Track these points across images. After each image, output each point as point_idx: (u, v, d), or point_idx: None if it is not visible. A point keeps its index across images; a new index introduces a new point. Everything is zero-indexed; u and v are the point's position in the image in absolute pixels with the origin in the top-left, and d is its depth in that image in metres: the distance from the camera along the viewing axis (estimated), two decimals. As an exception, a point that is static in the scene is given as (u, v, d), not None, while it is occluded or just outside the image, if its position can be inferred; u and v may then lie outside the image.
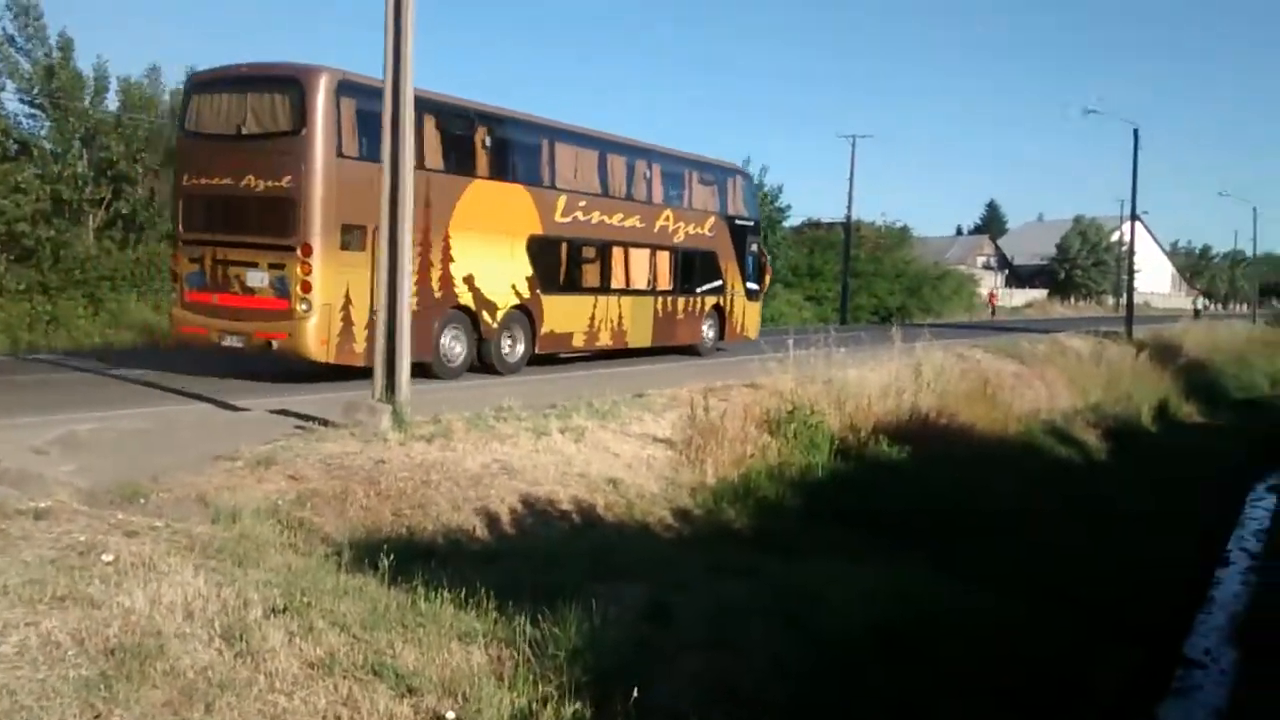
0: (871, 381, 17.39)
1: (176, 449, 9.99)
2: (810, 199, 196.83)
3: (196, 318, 14.82)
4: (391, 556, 7.08)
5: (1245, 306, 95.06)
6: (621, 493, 11.38)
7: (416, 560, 7.63)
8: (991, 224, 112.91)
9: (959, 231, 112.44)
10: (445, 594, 6.63)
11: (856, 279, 50.08)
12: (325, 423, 11.37)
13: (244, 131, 14.38)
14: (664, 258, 21.07)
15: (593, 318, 19.18)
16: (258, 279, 14.25)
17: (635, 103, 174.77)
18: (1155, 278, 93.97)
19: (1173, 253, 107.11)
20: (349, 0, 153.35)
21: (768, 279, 26.16)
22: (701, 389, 14.83)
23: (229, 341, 14.55)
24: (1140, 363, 32.18)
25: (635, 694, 5.55)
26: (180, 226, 15.25)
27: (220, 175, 14.57)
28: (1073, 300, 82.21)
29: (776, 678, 6.88)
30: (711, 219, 22.66)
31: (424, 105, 14.33)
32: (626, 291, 20.05)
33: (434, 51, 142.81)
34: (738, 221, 23.64)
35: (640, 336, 20.49)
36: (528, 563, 7.98)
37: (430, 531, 9.14)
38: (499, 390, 14.17)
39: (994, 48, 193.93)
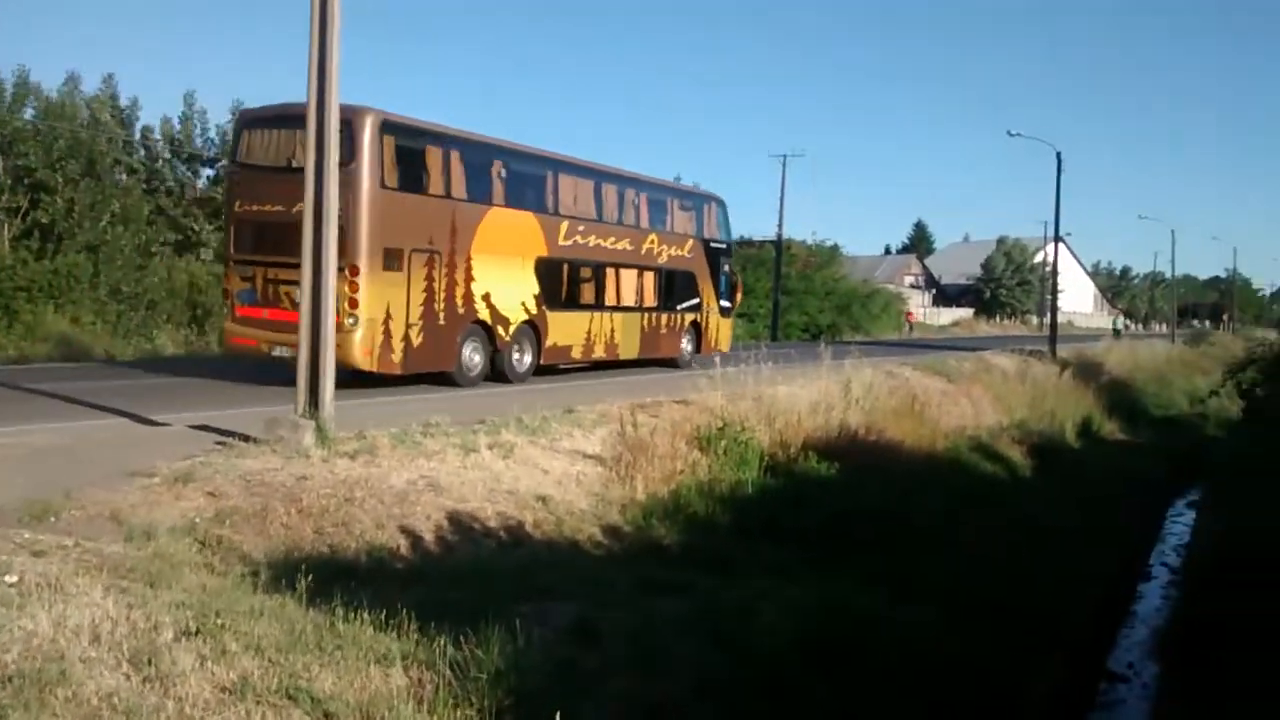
0: (802, 398, 17.48)
1: (92, 465, 9.67)
2: (742, 218, 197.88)
3: (248, 330, 16.18)
4: (310, 576, 6.91)
5: (1164, 326, 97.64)
6: (551, 510, 11.25)
7: (337, 580, 7.44)
8: (919, 243, 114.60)
9: (887, 251, 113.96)
10: (365, 615, 6.46)
11: (787, 296, 50.47)
12: (247, 438, 11.08)
13: (294, 164, 14.91)
14: (649, 278, 22.62)
15: (589, 332, 20.67)
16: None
17: (564, 119, 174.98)
18: (1078, 297, 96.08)
19: (1095, 273, 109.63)
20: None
21: (739, 297, 28.05)
22: (631, 405, 14.76)
23: (278, 352, 15.40)
24: (1064, 381, 32.77)
25: (558, 718, 5.43)
26: (232, 248, 16.68)
27: (272, 203, 15.74)
28: (998, 319, 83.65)
29: (705, 696, 6.80)
30: (690, 242, 24.21)
31: (451, 141, 17.23)
32: (618, 308, 21.58)
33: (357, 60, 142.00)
34: (713, 244, 25.16)
35: (629, 349, 21.94)
36: (452, 582, 7.83)
37: (353, 550, 8.93)
38: (495, 400, 14.24)
39: (921, 70, 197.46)
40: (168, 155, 32.12)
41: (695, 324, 24.34)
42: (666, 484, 12.87)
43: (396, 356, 15.98)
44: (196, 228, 30.17)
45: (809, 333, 49.69)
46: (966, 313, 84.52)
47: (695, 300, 24.27)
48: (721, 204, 26.38)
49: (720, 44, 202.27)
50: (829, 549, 11.96)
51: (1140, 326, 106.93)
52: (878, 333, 54.69)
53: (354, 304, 15.17)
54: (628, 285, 21.90)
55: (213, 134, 31.95)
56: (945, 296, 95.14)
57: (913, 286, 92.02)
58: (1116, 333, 63.31)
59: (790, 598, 9.21)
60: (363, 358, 15.43)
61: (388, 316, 15.75)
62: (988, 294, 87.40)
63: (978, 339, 55.05)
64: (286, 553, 8.42)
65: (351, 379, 14.65)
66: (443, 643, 6.12)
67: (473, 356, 17.66)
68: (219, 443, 11.05)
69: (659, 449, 13.24)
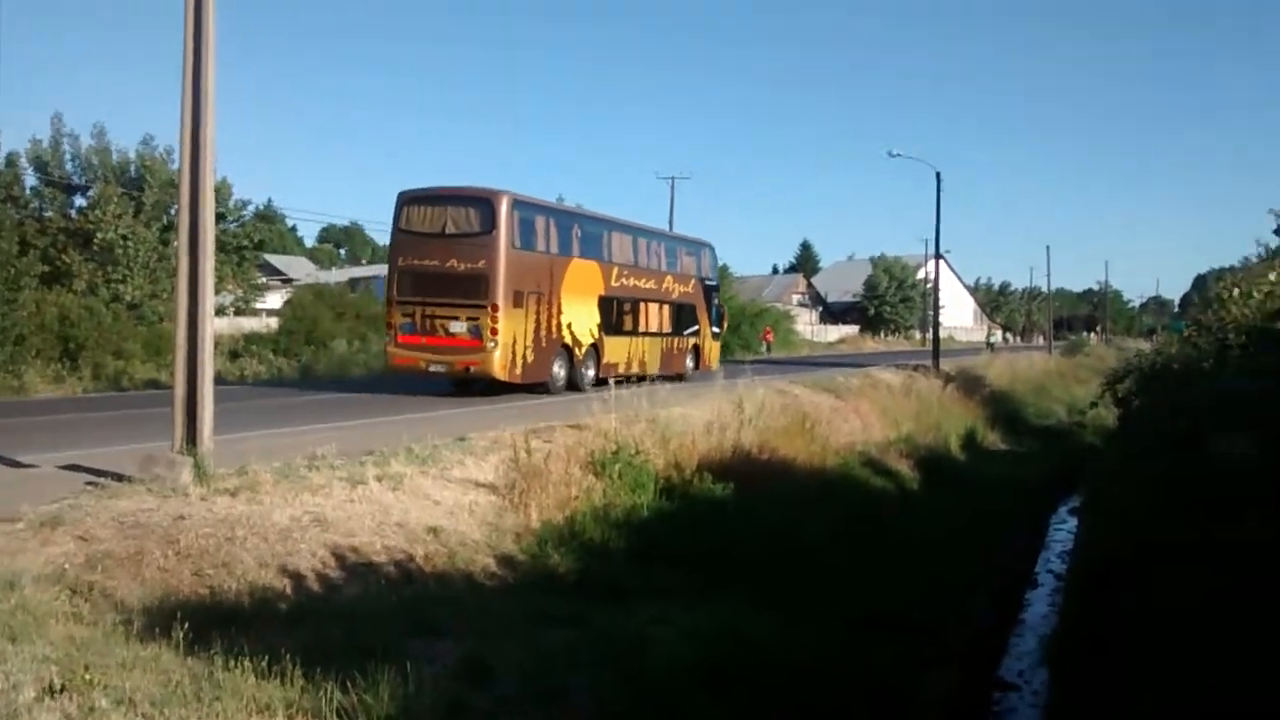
0: (695, 419, 17.49)
1: (-51, 512, 9.11)
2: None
3: (409, 353, 21.28)
4: (188, 623, 6.59)
5: (1041, 339, 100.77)
6: (442, 541, 10.98)
7: (217, 625, 7.11)
8: (805, 263, 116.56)
9: (775, 270, 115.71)
10: (247, 662, 6.16)
11: (678, 316, 50.67)
12: (121, 478, 10.60)
13: (447, 232, 21.23)
14: (666, 309, 28.26)
15: (629, 352, 25.98)
16: (459, 327, 20.83)
17: (447, 136, 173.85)
18: (959, 313, 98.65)
19: (975, 289, 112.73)
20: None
21: (725, 324, 34.15)
22: (525, 430, 14.57)
23: (435, 368, 21.12)
24: (948, 394, 33.57)
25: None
26: (395, 292, 21.68)
27: (428, 259, 21.23)
28: (882, 335, 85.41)
29: (602, 729, 6.67)
30: (693, 280, 30.22)
31: (549, 211, 23.89)
32: (647, 334, 27.12)
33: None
34: (707, 282, 31.38)
35: (653, 366, 26.89)
36: (339, 622, 7.54)
37: (234, 592, 8.57)
38: (521, 407, 13.65)
39: (804, 93, 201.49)
40: (34, 182, 30.86)
41: (696, 345, 30.02)
42: (561, 510, 12.69)
43: (519, 370, 21.14)
44: (67, 259, 29.02)
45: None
46: (852, 329, 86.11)
47: (696, 327, 30.02)
48: (712, 249, 32.64)
49: (606, 66, 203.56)
50: (724, 571, 11.94)
51: (1019, 339, 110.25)
52: (768, 351, 55.31)
53: (494, 332, 20.47)
54: (653, 316, 27.47)
55: (90, 158, 30.86)
56: (831, 314, 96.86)
57: (800, 304, 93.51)
58: (990, 346, 64.99)
59: (687, 624, 9.16)
60: (500, 371, 20.67)
61: (514, 341, 20.95)
62: (872, 311, 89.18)
63: (864, 355, 56.10)
64: (163, 598, 8.03)
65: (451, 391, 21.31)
66: (329, 689, 5.88)
67: (559, 371, 22.83)
68: (90, 483, 10.52)
69: (553, 475, 13.05)
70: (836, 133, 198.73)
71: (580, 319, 23.47)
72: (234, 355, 29.81)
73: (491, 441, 14.44)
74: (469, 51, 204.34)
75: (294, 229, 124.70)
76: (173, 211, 32.42)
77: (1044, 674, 12.10)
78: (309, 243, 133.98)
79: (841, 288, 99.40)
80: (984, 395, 36.50)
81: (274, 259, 78.55)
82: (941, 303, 48.06)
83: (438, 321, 21.00)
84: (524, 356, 21.26)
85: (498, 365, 20.60)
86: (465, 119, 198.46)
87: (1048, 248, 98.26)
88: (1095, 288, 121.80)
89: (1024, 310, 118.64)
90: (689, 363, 29.55)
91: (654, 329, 27.52)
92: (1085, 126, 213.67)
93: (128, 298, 31.28)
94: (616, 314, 25.37)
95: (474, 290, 20.74)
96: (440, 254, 21.09)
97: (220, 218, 29.77)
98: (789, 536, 13.93)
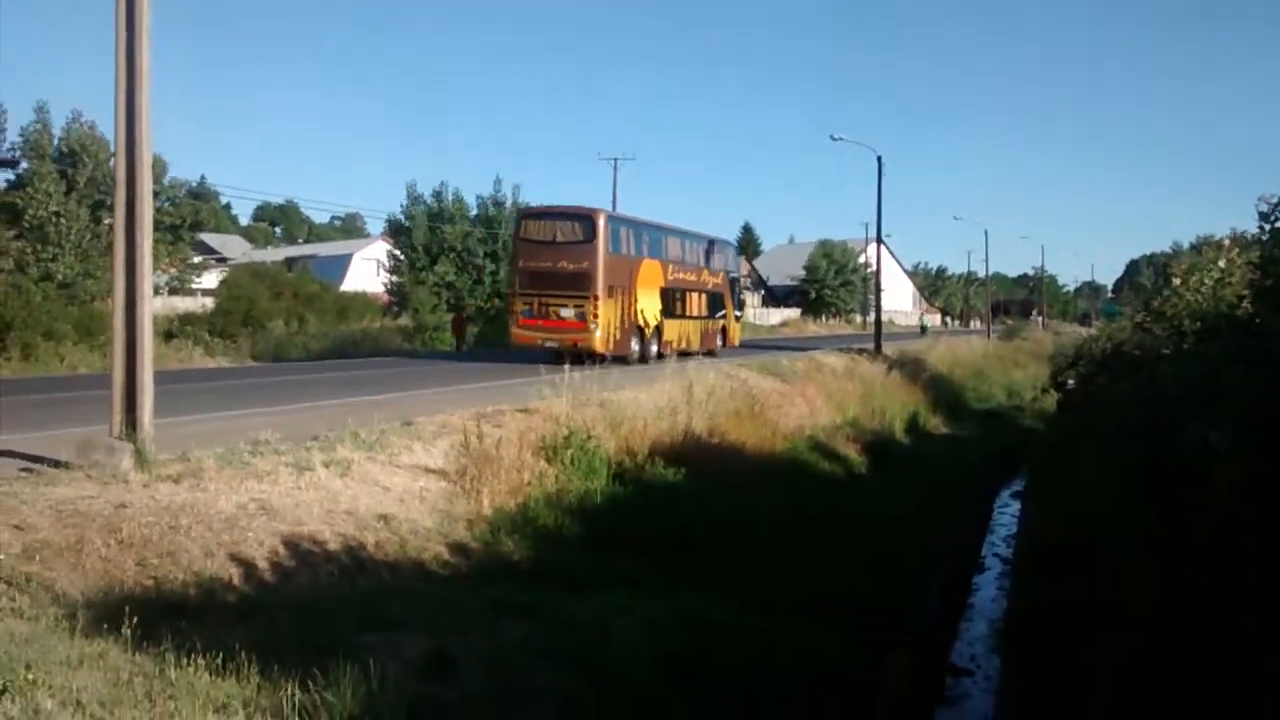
0: (646, 403, 17.34)
1: None
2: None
3: (529, 333, 27.20)
4: (135, 617, 6.27)
5: (979, 323, 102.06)
6: (393, 529, 10.72)
7: (166, 618, 6.81)
8: (747, 246, 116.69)
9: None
10: (199, 658, 5.87)
11: (623, 299, 50.54)
12: (57, 464, 10.21)
13: (557, 239, 27.12)
14: (705, 297, 34.32)
15: (680, 332, 31.91)
16: (568, 312, 26.58)
17: (383, 114, 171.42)
18: (899, 296, 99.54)
19: (914, 273, 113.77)
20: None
21: (745, 309, 41.39)
22: (475, 415, 14.31)
23: (549, 344, 26.65)
24: (891, 378, 33.76)
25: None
26: (517, 286, 27.85)
27: (542, 260, 27.08)
28: (824, 319, 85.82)
29: (568, 723, 6.51)
30: (721, 274, 36.25)
31: (628, 222, 29.66)
32: (691, 317, 33.08)
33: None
34: (731, 275, 37.80)
35: (695, 343, 32.83)
36: (293, 615, 7.26)
37: (181, 582, 8.27)
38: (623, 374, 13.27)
39: (748, 75, 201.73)
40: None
41: (724, 327, 36.37)
42: (514, 497, 12.47)
43: (611, 346, 26.86)
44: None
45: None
46: (794, 313, 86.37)
47: (724, 311, 36.26)
48: (735, 247, 40.25)
49: (548, 47, 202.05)
50: (679, 558, 11.86)
51: (958, 323, 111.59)
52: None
53: (595, 317, 26.30)
54: (695, 302, 33.53)
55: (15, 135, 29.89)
56: (774, 297, 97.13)
57: (744, 288, 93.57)
58: (923, 329, 65.35)
59: (646, 612, 9.02)
60: (600, 347, 26.17)
61: (608, 324, 26.75)
62: (814, 294, 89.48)
63: (806, 339, 56.34)
64: (106, 590, 7.72)
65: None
66: (289, 686, 5.62)
67: (635, 346, 28.52)
68: (25, 469, 10.12)
69: (504, 461, 12.82)
70: (778, 116, 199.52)
71: (649, 306, 29.49)
72: (169, 336, 29.07)
73: (440, 426, 14.18)
74: (409, 30, 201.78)
75: (228, 207, 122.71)
76: (104, 189, 31.59)
77: (996, 659, 12.16)
78: (244, 221, 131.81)
79: (783, 271, 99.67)
80: (926, 379, 36.78)
81: (208, 237, 77.05)
82: (882, 286, 48.32)
83: (551, 309, 26.92)
84: (615, 335, 27.21)
85: (598, 342, 26.40)
86: (403, 97, 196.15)
87: (985, 233, 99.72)
88: (1031, 273, 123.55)
89: (962, 295, 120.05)
90: (719, 340, 35.68)
91: (696, 313, 33.64)
92: (1022, 115, 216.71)
93: (59, 277, 30.39)
94: (671, 302, 31.35)
95: (579, 285, 26.57)
96: (552, 257, 27.03)
97: (153, 195, 29.01)
98: (742, 521, 13.88)
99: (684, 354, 30.67)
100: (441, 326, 39.76)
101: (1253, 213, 7.01)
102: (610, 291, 26.90)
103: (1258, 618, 5.53)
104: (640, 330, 28.91)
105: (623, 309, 27.75)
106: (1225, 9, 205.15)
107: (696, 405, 18.08)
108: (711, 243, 36.42)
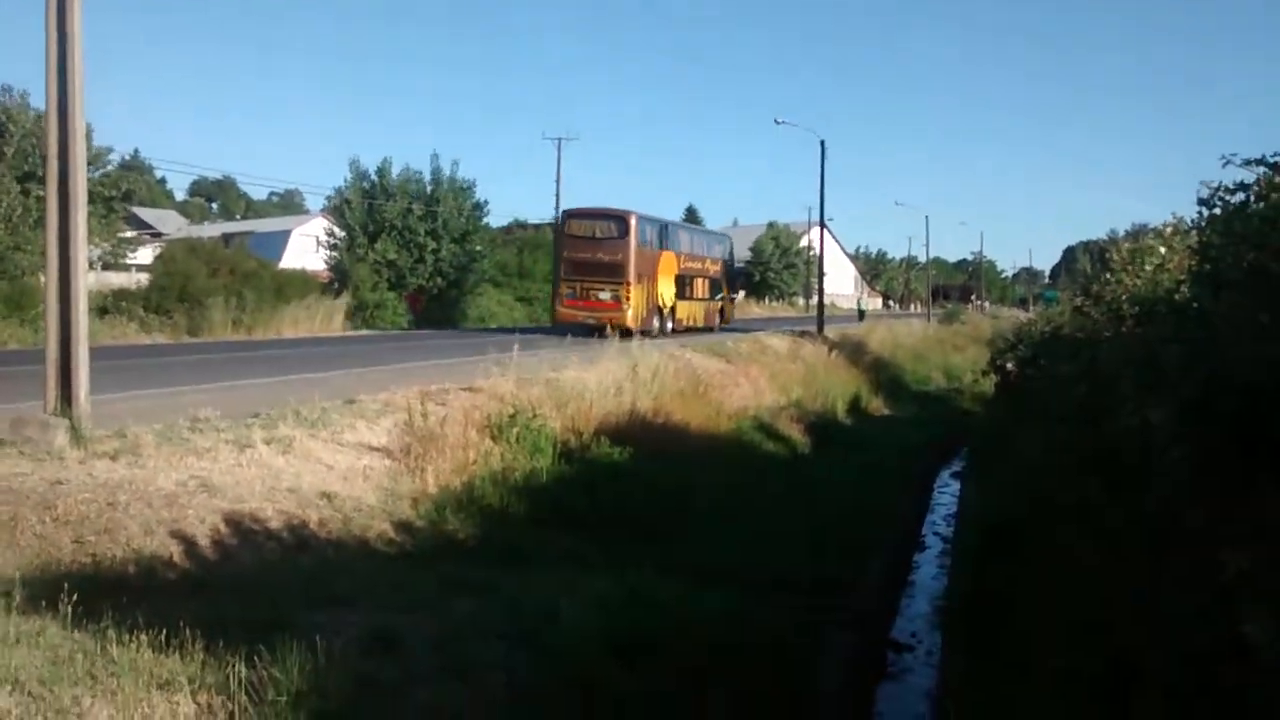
0: (590, 382, 17.30)
1: None
2: (515, 200, 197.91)
3: (571, 312, 33.06)
4: (75, 594, 6.15)
5: (918, 306, 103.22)
6: (337, 507, 10.61)
7: (106, 595, 6.68)
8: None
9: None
10: (142, 635, 5.78)
11: (566, 279, 50.41)
12: (-12, 441, 9.97)
13: (596, 235, 33.61)
14: (707, 282, 41.10)
15: (689, 311, 38.47)
16: (604, 295, 32.83)
17: (323, 90, 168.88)
18: (840, 280, 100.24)
19: (855, 257, 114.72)
20: None
21: (740, 292, 48.73)
22: (420, 393, 14.19)
23: (588, 321, 31.46)
24: (833, 360, 34.06)
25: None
26: (562, 273, 34.46)
27: (584, 252, 33.48)
28: (767, 301, 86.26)
29: (517, 701, 6.48)
30: (721, 262, 43.29)
31: (653, 221, 36.08)
32: (696, 299, 39.58)
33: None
34: (728, 263, 44.93)
35: (699, 320, 39.19)
36: (236, 592, 7.18)
37: (120, 560, 8.13)
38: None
39: (692, 58, 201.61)
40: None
41: (723, 308, 43.10)
42: (459, 475, 12.39)
43: (639, 323, 32.64)
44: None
45: (588, 315, 49.84)
46: (738, 295, 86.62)
47: (722, 294, 43.17)
48: (731, 240, 47.84)
49: (492, 27, 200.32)
50: (625, 535, 11.88)
51: (899, 306, 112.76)
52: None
53: (628, 299, 32.71)
54: (700, 286, 40.08)
55: None
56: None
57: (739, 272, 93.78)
58: (861, 314, 65.66)
59: (592, 590, 9.01)
60: (631, 323, 31.56)
61: (637, 305, 33.17)
62: (757, 277, 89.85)
63: (750, 320, 56.54)
64: (43, 567, 7.58)
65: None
66: (234, 663, 5.54)
67: (655, 323, 34.86)
68: (-45, 447, 9.87)
69: (449, 439, 12.73)
70: (722, 99, 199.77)
71: (666, 290, 36.24)
72: (103, 312, 28.43)
73: (383, 404, 14.08)
74: (353, 7, 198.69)
75: (163, 181, 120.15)
76: (34, 160, 30.73)
77: (937, 635, 12.33)
78: (179, 196, 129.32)
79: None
80: (867, 361, 37.13)
81: (143, 212, 75.46)
82: (825, 270, 48.64)
83: (591, 292, 33.36)
84: (642, 314, 33.83)
85: (630, 319, 32.32)
86: (343, 72, 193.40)
87: (926, 218, 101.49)
88: (970, 258, 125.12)
89: (902, 279, 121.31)
90: (718, 318, 42.27)
91: (701, 295, 40.13)
92: (962, 102, 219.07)
93: (-13, 250, 29.57)
94: (684, 286, 37.93)
95: (615, 273, 33.20)
96: (591, 249, 33.69)
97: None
98: (688, 500, 13.93)
99: (690, 329, 37.38)
100: (384, 304, 39.44)
101: (1185, 202, 7.20)
102: (639, 278, 33.55)
103: (1192, 593, 5.66)
104: (660, 310, 35.69)
105: (647, 292, 34.45)
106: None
107: (642, 385, 18.10)
108: (712, 235, 45.46)
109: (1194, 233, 7.87)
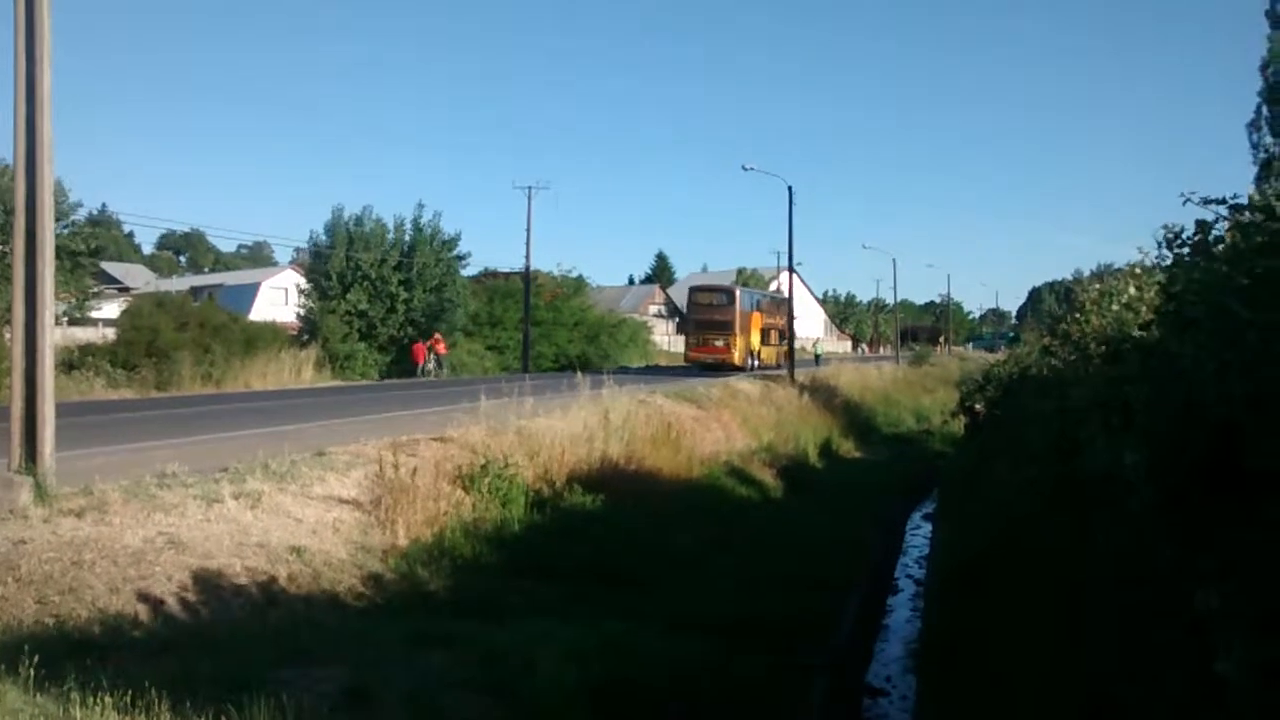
0: (561, 430, 17.26)
1: None
2: (487, 248, 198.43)
3: (697, 355, 46.87)
4: (36, 656, 6.03)
5: (885, 349, 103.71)
6: (306, 561, 10.48)
7: (69, 657, 6.58)
8: (661, 274, 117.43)
9: (631, 281, 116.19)
10: (106, 696, 5.66)
11: (537, 327, 50.38)
12: (-50, 500, 9.80)
13: (713, 303, 48.37)
14: (776, 332, 51.47)
15: (767, 353, 49.74)
16: (719, 342, 46.24)
17: (293, 139, 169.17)
18: (810, 323, 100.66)
19: (824, 300, 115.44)
20: None
21: (793, 338, 52.92)
22: (390, 444, 14.10)
23: (707, 361, 45.76)
24: (804, 403, 34.16)
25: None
26: (691, 328, 49.61)
27: (704, 314, 48.18)
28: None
29: (491, 756, 6.40)
30: (780, 316, 52.10)
31: (748, 291, 55.91)
32: (771, 344, 50.91)
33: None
34: (789, 318, 50.09)
35: (772, 360, 49.80)
36: (205, 651, 7.06)
37: (84, 620, 7.99)
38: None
39: (659, 107, 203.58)
40: None
41: (786, 349, 50.34)
42: (430, 527, 12.29)
43: (741, 361, 45.77)
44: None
45: (558, 363, 49.76)
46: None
47: (785, 340, 49.45)
48: (789, 300, 51.26)
49: (461, 74, 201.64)
50: (599, 583, 11.83)
51: (867, 349, 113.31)
52: (626, 361, 55.44)
53: (734, 346, 45.77)
54: (773, 335, 51.34)
55: None
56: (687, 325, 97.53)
57: (657, 315, 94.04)
58: (817, 358, 64.25)
59: (568, 641, 8.93)
60: (737, 362, 45.28)
61: (740, 349, 46.32)
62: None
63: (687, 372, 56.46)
64: (4, 630, 7.44)
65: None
66: (201, 723, 5.45)
67: (750, 361, 47.21)
68: (-84, 507, 9.70)
69: (420, 490, 12.62)
70: (690, 146, 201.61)
71: (755, 338, 48.64)
72: (69, 367, 28.12)
73: (353, 456, 13.95)
74: (316, 55, 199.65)
75: (131, 235, 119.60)
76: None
77: (910, 679, 12.29)
78: (147, 249, 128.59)
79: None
80: (838, 404, 37.30)
81: (111, 266, 75.05)
82: (794, 314, 49.04)
83: (709, 340, 46.66)
84: (743, 354, 46.21)
85: (736, 359, 45.19)
86: (311, 124, 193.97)
87: (894, 261, 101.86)
88: (938, 299, 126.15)
89: (871, 321, 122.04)
90: (784, 358, 48.80)
91: (773, 342, 51.29)
92: (929, 147, 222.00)
93: (-51, 304, 29.19)
94: (765, 335, 50.21)
95: (725, 328, 46.17)
96: (709, 313, 47.76)
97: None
98: (661, 546, 13.89)
99: (766, 365, 48.24)
100: (354, 355, 39.28)
101: (1147, 243, 7.29)
102: (740, 331, 46.03)
103: (1165, 630, 5.67)
104: (751, 352, 47.67)
105: (744, 340, 46.61)
106: (1126, 43, 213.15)
107: (613, 432, 18.06)
108: (780, 299, 55.67)
109: (1158, 272, 7.99)
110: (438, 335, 41.80)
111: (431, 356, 41.24)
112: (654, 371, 45.53)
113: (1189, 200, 5.74)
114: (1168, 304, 6.21)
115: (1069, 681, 7.47)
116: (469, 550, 12.10)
